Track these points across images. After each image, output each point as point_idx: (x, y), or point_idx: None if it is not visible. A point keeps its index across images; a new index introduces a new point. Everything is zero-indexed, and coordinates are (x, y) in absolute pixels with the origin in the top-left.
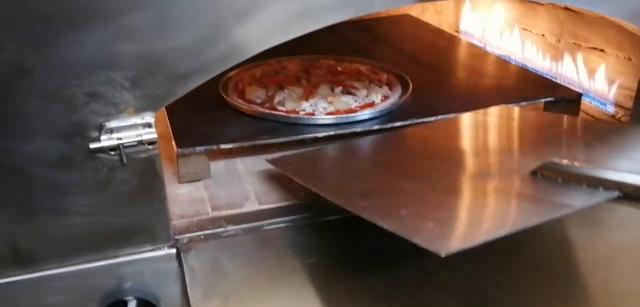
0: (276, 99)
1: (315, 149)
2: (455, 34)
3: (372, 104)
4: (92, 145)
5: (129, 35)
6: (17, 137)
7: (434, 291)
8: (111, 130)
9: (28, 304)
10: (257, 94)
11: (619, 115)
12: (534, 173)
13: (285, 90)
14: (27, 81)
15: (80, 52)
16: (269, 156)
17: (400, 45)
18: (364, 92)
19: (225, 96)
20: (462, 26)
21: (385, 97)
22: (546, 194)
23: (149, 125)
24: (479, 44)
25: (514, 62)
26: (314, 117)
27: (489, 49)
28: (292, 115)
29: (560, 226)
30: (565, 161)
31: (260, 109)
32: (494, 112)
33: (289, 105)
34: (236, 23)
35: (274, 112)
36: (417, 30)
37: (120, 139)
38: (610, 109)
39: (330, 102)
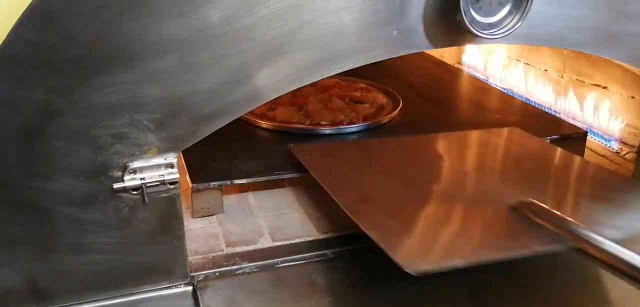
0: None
1: (332, 143)
2: (457, 65)
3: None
4: (116, 186)
5: (153, 79)
6: (42, 176)
7: None
8: (134, 171)
9: None
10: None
11: (623, 153)
12: (512, 208)
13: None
14: (54, 122)
15: (107, 96)
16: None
17: (402, 76)
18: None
19: (249, 118)
20: (465, 59)
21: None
22: (516, 233)
23: (171, 165)
24: (481, 77)
25: (516, 96)
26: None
27: (491, 82)
28: (317, 128)
29: None
30: (544, 205)
31: (296, 125)
32: (507, 134)
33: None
34: (259, 68)
35: (300, 126)
36: (420, 61)
37: (143, 179)
38: (615, 146)
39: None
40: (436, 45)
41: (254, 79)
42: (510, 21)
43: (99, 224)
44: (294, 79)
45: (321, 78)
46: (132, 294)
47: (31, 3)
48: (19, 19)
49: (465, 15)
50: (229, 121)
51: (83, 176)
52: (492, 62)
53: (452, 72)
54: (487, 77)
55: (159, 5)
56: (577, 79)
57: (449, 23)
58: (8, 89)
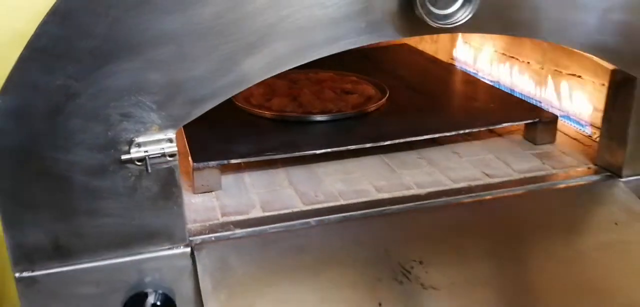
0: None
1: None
2: (451, 61)
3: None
4: (123, 157)
5: (155, 66)
6: (62, 149)
7: (412, 284)
8: (139, 145)
9: (65, 293)
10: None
11: (594, 136)
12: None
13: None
14: (72, 103)
15: (116, 80)
16: None
17: (395, 71)
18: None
19: (245, 106)
20: (456, 54)
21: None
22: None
23: (170, 140)
24: (471, 71)
25: (503, 88)
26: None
27: (480, 75)
28: (308, 115)
29: None
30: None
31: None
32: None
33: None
34: (244, 57)
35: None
36: (413, 58)
37: (147, 151)
38: (588, 130)
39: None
40: (400, 35)
41: (240, 66)
42: (463, 13)
43: (109, 191)
44: (274, 66)
45: (298, 65)
46: (139, 253)
47: (55, 3)
48: (44, 17)
49: (423, 8)
50: (219, 102)
51: (96, 149)
52: (480, 57)
53: (442, 67)
54: (477, 71)
55: (160, 4)
56: (555, 70)
57: (411, 15)
58: (35, 75)
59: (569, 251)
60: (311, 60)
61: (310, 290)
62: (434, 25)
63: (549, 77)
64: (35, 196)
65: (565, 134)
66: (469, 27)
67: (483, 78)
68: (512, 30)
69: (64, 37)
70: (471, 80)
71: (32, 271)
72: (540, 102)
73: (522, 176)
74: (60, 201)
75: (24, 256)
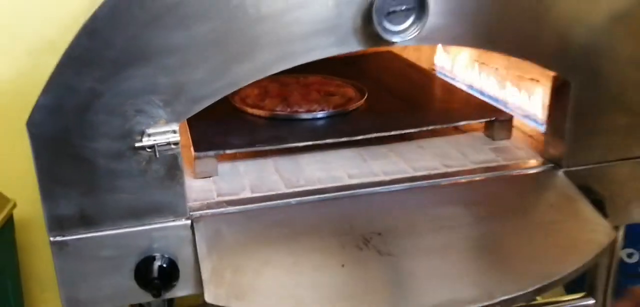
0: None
1: None
2: (432, 67)
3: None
4: (137, 145)
5: (163, 72)
6: (89, 138)
7: (370, 251)
8: (149, 135)
9: (89, 255)
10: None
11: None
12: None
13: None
14: (98, 101)
15: (132, 83)
16: None
17: (377, 75)
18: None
19: (241, 106)
20: (436, 61)
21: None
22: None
23: (174, 131)
24: (448, 77)
25: (474, 92)
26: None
27: (456, 80)
28: (295, 114)
29: None
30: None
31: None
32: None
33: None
34: (235, 63)
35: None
36: (395, 64)
37: (155, 140)
38: (542, 128)
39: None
40: (363, 47)
41: (232, 71)
42: (413, 29)
43: (125, 173)
44: (259, 71)
45: (279, 70)
46: (148, 224)
47: (85, 22)
48: (77, 32)
49: (379, 25)
50: (214, 100)
51: (115, 138)
52: (457, 64)
53: (419, 72)
54: (454, 76)
55: (168, 22)
56: (518, 75)
57: (370, 30)
58: (70, 78)
59: (507, 226)
60: (290, 67)
61: (286, 254)
62: (389, 39)
63: (512, 81)
64: (67, 175)
65: (522, 131)
66: (420, 40)
67: (458, 83)
68: (459, 41)
69: (92, 49)
70: (443, 84)
71: (63, 236)
72: (505, 103)
73: (476, 166)
74: (86, 180)
75: (57, 224)
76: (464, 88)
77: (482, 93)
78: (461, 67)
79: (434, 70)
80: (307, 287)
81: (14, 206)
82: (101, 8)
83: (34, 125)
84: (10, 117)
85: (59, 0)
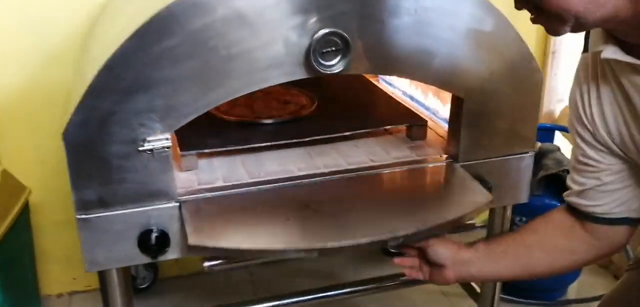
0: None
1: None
2: (376, 82)
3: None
4: (140, 148)
5: (159, 96)
6: (106, 144)
7: (308, 212)
8: (149, 141)
9: (105, 228)
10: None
11: None
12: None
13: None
14: (113, 117)
15: (137, 105)
16: None
17: (329, 86)
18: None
19: (216, 114)
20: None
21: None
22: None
23: (167, 138)
24: (390, 87)
25: (407, 98)
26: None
27: (397, 88)
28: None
29: None
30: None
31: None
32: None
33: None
34: (211, 90)
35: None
36: (346, 77)
37: (153, 145)
38: None
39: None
40: (307, 76)
41: (208, 95)
42: (342, 64)
43: (132, 168)
44: (229, 94)
45: (244, 94)
46: (148, 206)
47: (105, 61)
48: (98, 71)
49: (315, 62)
50: (196, 116)
51: (125, 144)
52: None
53: (365, 84)
54: (395, 87)
55: (162, 62)
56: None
57: (310, 64)
58: (93, 101)
59: (413, 195)
60: (252, 91)
61: (248, 222)
62: (323, 71)
63: (433, 91)
64: (90, 171)
65: (437, 133)
66: (348, 70)
67: (397, 90)
68: (376, 71)
69: (109, 80)
70: (381, 94)
71: (87, 214)
72: (428, 108)
73: (395, 160)
74: (103, 174)
75: (82, 205)
76: (401, 95)
77: (412, 99)
78: (402, 80)
79: (377, 81)
80: (260, 232)
81: (30, 192)
82: (116, 51)
83: (68, 135)
84: (20, 118)
85: (63, 18)
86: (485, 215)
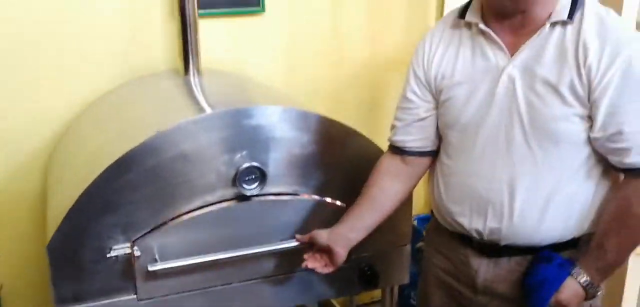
0: None
1: None
2: None
3: None
4: (108, 255)
5: (123, 216)
6: (82, 252)
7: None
8: (114, 250)
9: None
10: None
11: None
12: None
13: None
14: (87, 232)
15: (107, 222)
16: None
17: None
18: None
19: None
20: None
21: None
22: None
23: (128, 247)
24: None
25: None
26: None
27: None
28: None
29: None
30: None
31: None
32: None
33: None
34: (160, 211)
35: None
36: None
37: (118, 253)
38: None
39: None
40: (233, 196)
41: (159, 215)
42: (260, 188)
43: (101, 271)
44: (174, 213)
45: (185, 212)
46: (114, 298)
47: (83, 190)
48: (80, 194)
49: (240, 186)
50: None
51: (96, 251)
52: None
53: None
54: None
55: (124, 191)
56: None
57: (237, 188)
58: (74, 219)
59: None
60: (192, 209)
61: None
62: (245, 194)
63: None
64: (68, 273)
65: None
66: (264, 194)
67: None
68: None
69: (87, 204)
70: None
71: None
72: None
73: None
74: (78, 276)
75: (60, 300)
76: None
77: None
78: None
79: None
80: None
81: (1, 287)
82: (92, 183)
83: (51, 245)
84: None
85: (29, 138)
86: (378, 293)
